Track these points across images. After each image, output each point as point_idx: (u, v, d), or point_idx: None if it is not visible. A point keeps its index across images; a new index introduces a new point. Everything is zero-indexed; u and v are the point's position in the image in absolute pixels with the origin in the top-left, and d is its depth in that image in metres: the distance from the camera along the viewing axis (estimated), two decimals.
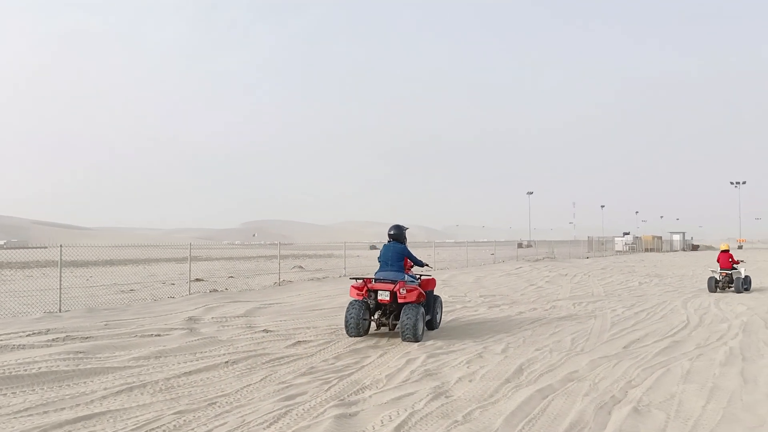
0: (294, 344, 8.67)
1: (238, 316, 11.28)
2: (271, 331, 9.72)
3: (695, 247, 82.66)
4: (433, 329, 10.12)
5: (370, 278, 9.68)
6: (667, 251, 72.57)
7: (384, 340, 9.11)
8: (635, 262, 37.90)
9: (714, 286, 17.05)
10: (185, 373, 6.93)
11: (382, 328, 9.71)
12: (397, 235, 9.97)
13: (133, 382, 6.49)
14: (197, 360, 7.64)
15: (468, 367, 7.32)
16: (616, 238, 70.23)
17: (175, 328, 9.83)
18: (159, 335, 9.30)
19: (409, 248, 10.05)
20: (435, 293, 10.67)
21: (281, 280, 18.33)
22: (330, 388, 6.36)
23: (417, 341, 8.93)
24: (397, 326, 9.38)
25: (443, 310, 11.29)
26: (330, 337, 9.33)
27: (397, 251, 9.79)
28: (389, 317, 9.47)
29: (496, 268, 27.61)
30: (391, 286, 9.30)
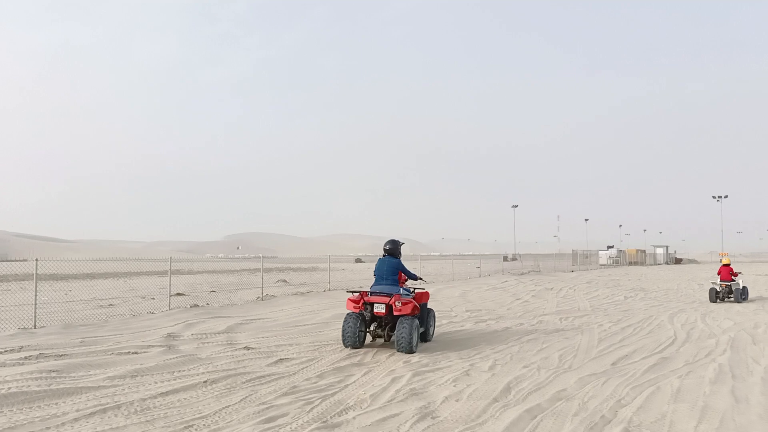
0: (276, 362, 8.43)
1: (218, 333, 11.01)
2: (252, 348, 9.47)
3: (678, 261, 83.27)
4: (426, 341, 10.35)
5: (366, 291, 9.94)
6: (651, 264, 72.98)
7: (369, 357, 8.91)
8: (620, 276, 37.99)
9: (715, 296, 18.37)
10: (162, 393, 6.67)
11: (377, 339, 9.99)
12: (392, 249, 10.28)
13: (107, 404, 6.23)
14: (175, 379, 7.39)
15: (455, 386, 7.13)
16: (600, 252, 70.47)
17: (153, 346, 9.54)
18: (136, 353, 9.01)
19: (403, 262, 10.32)
20: (429, 306, 11.03)
21: (264, 294, 18.03)
22: (312, 408, 6.14)
23: (411, 352, 9.19)
24: (393, 338, 9.68)
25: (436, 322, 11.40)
26: (313, 354, 9.10)
27: (392, 265, 10.09)
28: (385, 329, 9.81)
29: (482, 282, 27.48)
30: (386, 299, 9.57)
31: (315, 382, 7.27)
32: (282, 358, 8.69)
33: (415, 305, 9.67)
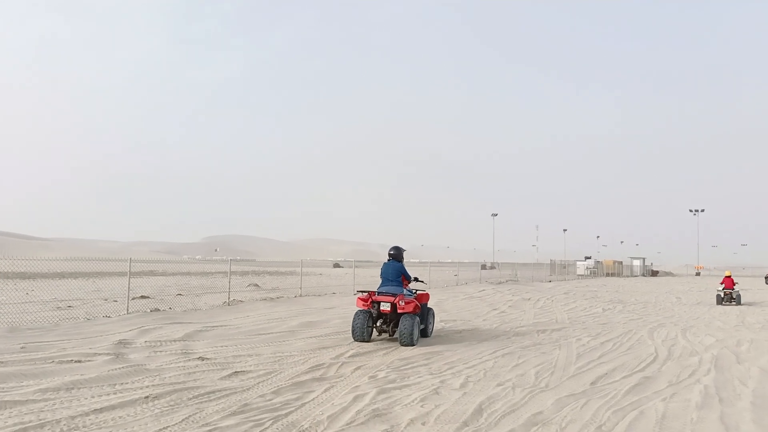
0: (230, 375, 7.76)
1: (174, 340, 10.29)
2: (207, 358, 8.77)
3: (655, 273, 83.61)
4: (426, 336, 11.69)
5: (373, 291, 11.28)
6: (628, 276, 73.15)
7: (332, 371, 8.27)
8: (597, 287, 37.74)
9: (720, 300, 23.88)
10: (96, 410, 5.98)
11: (383, 334, 11.36)
12: (396, 255, 11.75)
13: (30, 422, 5.53)
14: (115, 393, 6.69)
15: (422, 406, 6.52)
16: (578, 262, 70.45)
17: (100, 354, 8.81)
18: (79, 361, 8.29)
19: (405, 267, 11.78)
20: (429, 306, 12.35)
21: (231, 299, 17.28)
22: None
23: (412, 345, 10.53)
24: (396, 333, 10.85)
25: (435, 320, 12.73)
26: (273, 366, 8.44)
27: (396, 268, 11.51)
28: (389, 325, 11.13)
29: (458, 291, 26.95)
30: (392, 299, 10.91)
31: (269, 400, 6.62)
32: (238, 370, 8.01)
33: (417, 304, 11.05)
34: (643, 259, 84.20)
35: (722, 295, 23.91)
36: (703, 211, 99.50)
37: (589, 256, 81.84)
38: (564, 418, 6.27)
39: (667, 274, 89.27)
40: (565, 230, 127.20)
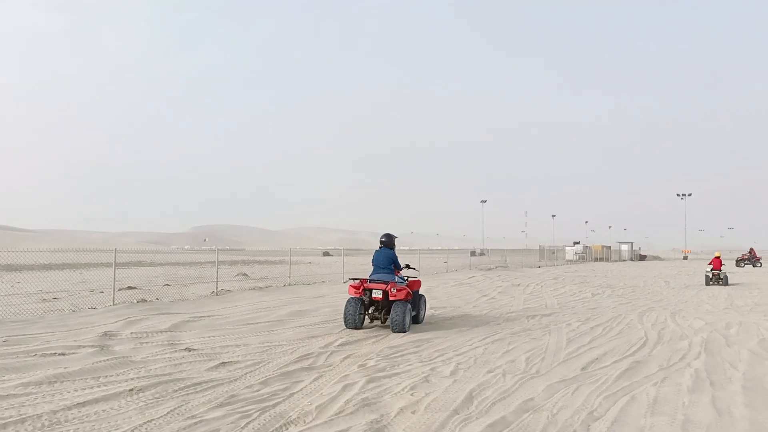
0: (217, 366, 7.63)
1: (161, 331, 10.15)
2: (194, 349, 8.64)
3: (643, 257, 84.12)
4: (418, 323, 11.69)
5: (365, 279, 11.28)
6: (616, 261, 73.54)
7: (321, 360, 8.16)
8: (586, 272, 37.87)
9: (708, 281, 25.44)
10: (78, 403, 5.84)
11: (375, 321, 11.30)
12: (388, 242, 11.66)
13: (11, 417, 5.39)
14: (99, 386, 6.55)
15: (412, 395, 6.43)
16: (566, 248, 70.72)
17: (85, 346, 8.66)
18: (63, 354, 8.14)
19: (396, 254, 11.74)
20: (420, 293, 12.39)
21: (219, 289, 17.12)
22: (248, 424, 5.38)
23: (404, 332, 10.55)
24: (388, 320, 10.94)
25: (427, 306, 13.04)
26: (261, 356, 8.32)
27: (387, 256, 11.45)
28: (381, 312, 11.12)
29: (448, 278, 26.94)
30: (383, 286, 10.93)
31: (257, 390, 6.51)
32: (225, 361, 7.89)
33: (408, 292, 11.12)
34: (631, 243, 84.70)
35: (710, 276, 25.49)
36: (690, 195, 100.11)
37: (577, 241, 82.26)
38: (555, 404, 6.21)
39: (655, 258, 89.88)
40: (553, 216, 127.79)
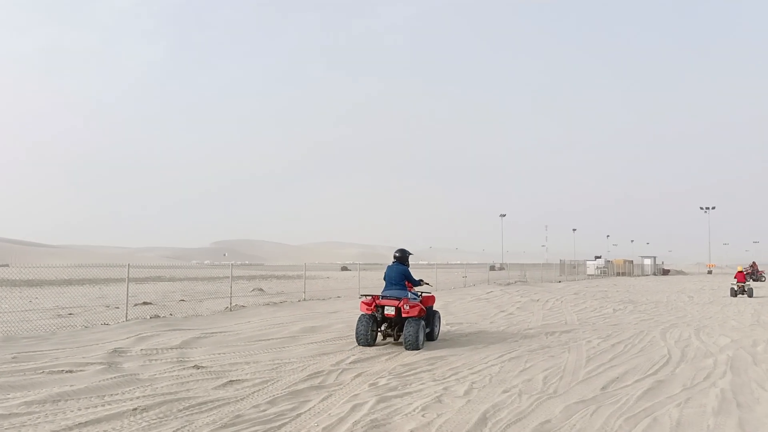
0: (225, 384, 7.46)
1: (171, 348, 10.01)
2: (203, 367, 8.48)
3: (666, 272, 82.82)
4: (432, 340, 11.42)
5: (378, 295, 11.03)
6: (639, 275, 72.43)
7: (332, 378, 7.95)
8: (608, 287, 37.24)
9: (734, 293, 27.40)
10: (80, 423, 5.70)
11: (387, 338, 11.05)
12: (401, 257, 11.45)
13: None
14: (103, 405, 6.41)
15: (423, 416, 6.19)
16: (588, 262, 69.84)
17: (93, 363, 8.54)
18: (71, 371, 8.02)
19: (410, 270, 11.50)
20: (435, 309, 12.13)
21: (233, 304, 17.00)
22: None
23: (418, 349, 10.25)
24: (401, 337, 10.68)
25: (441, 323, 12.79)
26: (270, 374, 8.13)
27: (400, 272, 11.26)
28: (394, 329, 10.89)
29: (466, 293, 26.60)
30: (396, 303, 10.69)
31: (264, 410, 6.31)
32: (233, 379, 7.71)
33: (422, 308, 10.86)
34: (654, 257, 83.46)
35: (736, 288, 27.47)
36: (714, 208, 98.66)
37: (599, 255, 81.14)
38: (573, 426, 5.93)
39: (679, 272, 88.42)
40: (574, 230, 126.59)
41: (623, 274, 71.49)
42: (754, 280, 48.09)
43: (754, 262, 52.48)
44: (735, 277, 28.16)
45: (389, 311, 10.71)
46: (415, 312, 10.58)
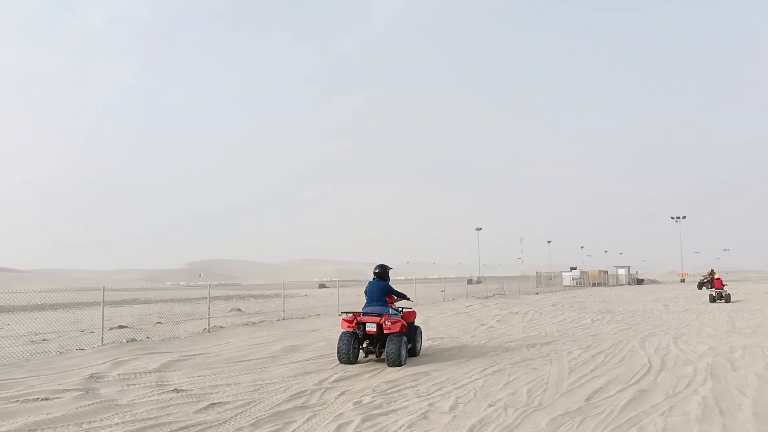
0: (206, 407, 7.31)
1: (149, 372, 9.81)
2: (183, 390, 8.31)
3: (640, 281, 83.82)
4: (415, 356, 11.42)
5: (358, 312, 10.95)
6: (614, 285, 73.20)
7: (315, 398, 7.85)
8: (585, 298, 37.55)
9: (713, 299, 28.85)
10: None
11: (370, 355, 11.07)
12: (382, 273, 11.37)
13: None
14: None
15: None
16: (564, 273, 70.35)
17: (69, 390, 8.32)
18: (47, 399, 7.80)
19: (391, 284, 11.49)
20: (416, 324, 12.07)
21: (211, 325, 16.76)
22: None
23: (400, 365, 10.20)
24: (383, 354, 10.58)
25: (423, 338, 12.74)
26: (252, 396, 8.00)
27: (381, 287, 11.18)
28: (376, 346, 10.79)
29: (445, 307, 26.60)
30: (377, 319, 10.60)
31: None
32: (214, 402, 7.57)
33: (403, 324, 10.74)
34: (628, 267, 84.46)
35: (714, 295, 29.24)
36: (684, 218, 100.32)
37: (574, 266, 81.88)
38: None
39: (653, 281, 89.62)
40: (549, 242, 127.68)
41: (599, 284, 72.20)
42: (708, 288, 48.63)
43: (712, 270, 53.25)
44: (713, 285, 30.08)
45: (371, 328, 10.63)
46: (396, 328, 10.49)
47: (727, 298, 28.86)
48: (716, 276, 31.07)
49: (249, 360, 11.14)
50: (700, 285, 50.95)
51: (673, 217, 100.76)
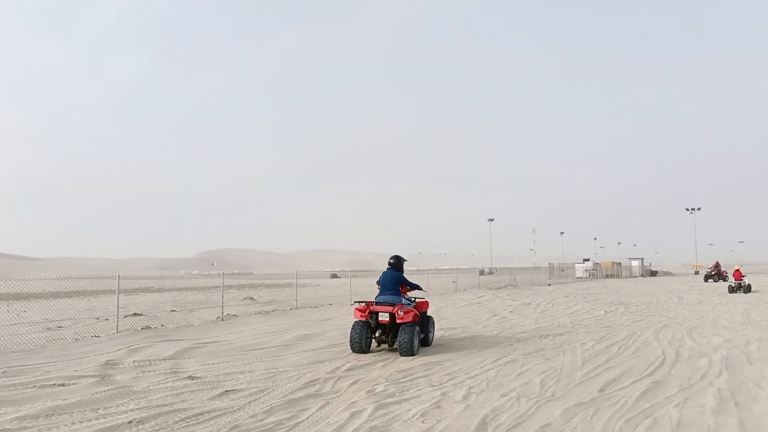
0: (220, 394, 7.37)
1: (164, 359, 9.89)
2: (197, 377, 8.38)
3: (654, 273, 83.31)
4: (427, 345, 11.39)
5: (371, 301, 10.96)
6: (627, 277, 72.81)
7: (328, 386, 7.89)
8: (597, 289, 37.38)
9: (732, 290, 30.21)
10: None
11: (382, 345, 11.11)
12: (396, 264, 11.48)
13: None
14: (97, 419, 6.30)
15: (423, 422, 6.15)
16: (576, 265, 70.04)
17: (85, 376, 8.42)
18: (63, 385, 7.90)
19: (405, 275, 11.56)
20: (429, 314, 12.08)
21: (225, 314, 16.87)
22: None
23: (413, 355, 10.23)
24: (396, 343, 10.55)
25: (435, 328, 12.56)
26: (265, 383, 8.05)
27: (394, 278, 11.25)
28: (389, 335, 10.80)
29: (457, 297, 26.59)
30: (390, 309, 10.62)
31: (261, 420, 6.24)
32: (228, 389, 7.62)
33: (416, 314, 10.78)
34: (642, 259, 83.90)
35: (733, 285, 30.66)
36: (699, 209, 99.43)
37: (587, 258, 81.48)
38: (574, 429, 5.92)
39: (666, 273, 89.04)
40: (562, 233, 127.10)
41: (612, 276, 71.81)
42: (722, 280, 48.37)
43: (717, 262, 52.80)
44: (733, 275, 31.81)
45: (383, 317, 10.65)
46: (409, 318, 10.50)
47: (747, 289, 29.58)
48: (736, 267, 32.68)
49: (262, 348, 11.21)
50: (707, 277, 50.58)
51: (687, 209, 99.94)
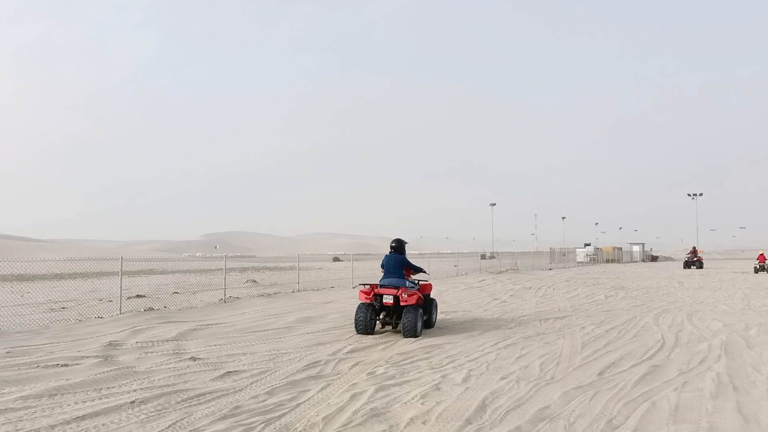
0: (222, 375, 7.43)
1: (166, 340, 9.97)
2: (199, 359, 8.45)
3: (655, 258, 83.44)
4: (430, 327, 11.57)
5: (376, 284, 11.10)
6: (628, 262, 72.91)
7: (329, 368, 7.94)
8: (598, 274, 37.46)
9: (756, 270, 36.76)
10: (78, 417, 5.65)
11: (386, 327, 11.21)
12: (398, 247, 11.55)
13: None
14: (100, 398, 6.36)
15: (422, 404, 6.20)
16: (577, 249, 70.16)
17: (88, 356, 8.49)
18: (66, 365, 7.97)
19: (408, 258, 11.66)
20: (432, 296, 12.09)
21: (227, 296, 16.95)
22: None
23: (416, 336, 10.39)
24: (399, 325, 10.75)
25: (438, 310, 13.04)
26: (267, 365, 8.11)
27: (398, 261, 11.37)
28: (392, 317, 11.00)
29: (458, 281, 26.66)
30: (394, 291, 10.77)
31: (263, 401, 6.30)
32: (230, 370, 7.68)
33: (419, 296, 11.01)
34: (643, 244, 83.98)
35: (758, 267, 37.29)
36: (701, 195, 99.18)
37: (588, 243, 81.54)
38: (572, 412, 5.96)
39: (667, 258, 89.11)
40: (563, 218, 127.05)
41: (612, 261, 71.91)
42: (696, 267, 48.10)
43: (694, 247, 52.76)
44: (757, 259, 37.80)
45: (387, 300, 10.79)
46: (413, 300, 10.66)
47: None
48: (761, 252, 38.50)
49: (264, 330, 11.28)
50: (687, 264, 50.16)
51: (689, 194, 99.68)
